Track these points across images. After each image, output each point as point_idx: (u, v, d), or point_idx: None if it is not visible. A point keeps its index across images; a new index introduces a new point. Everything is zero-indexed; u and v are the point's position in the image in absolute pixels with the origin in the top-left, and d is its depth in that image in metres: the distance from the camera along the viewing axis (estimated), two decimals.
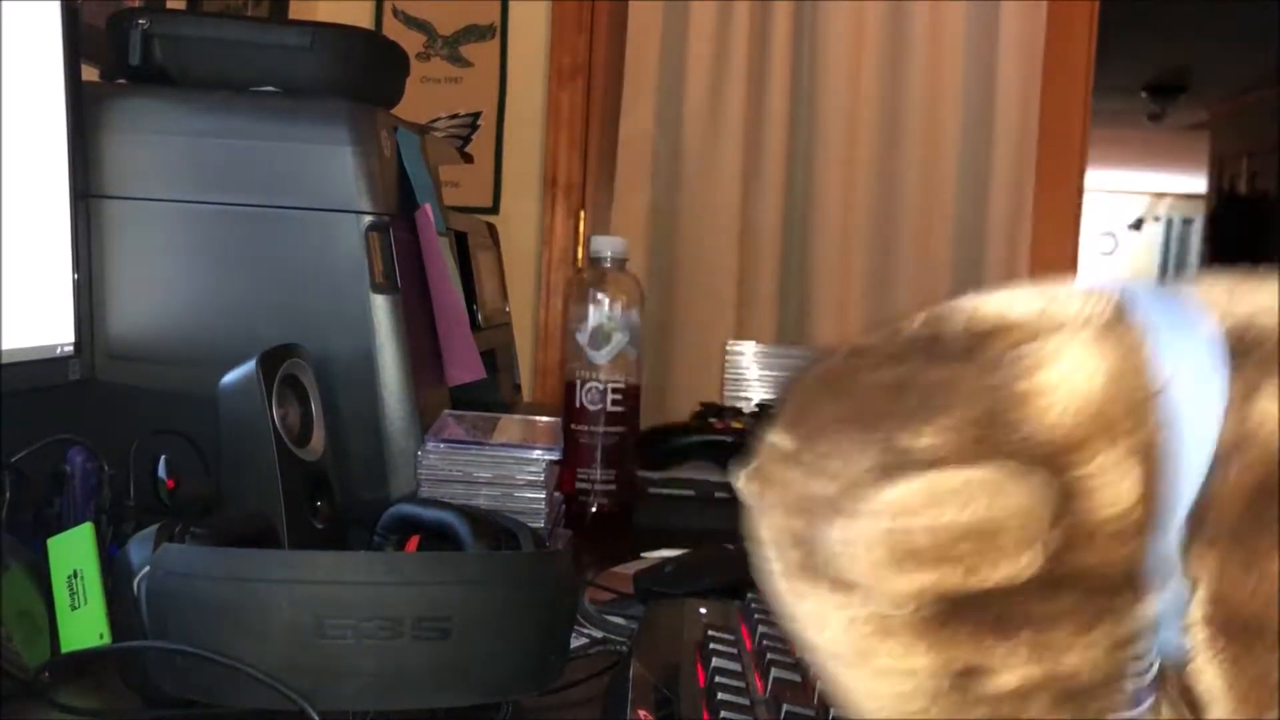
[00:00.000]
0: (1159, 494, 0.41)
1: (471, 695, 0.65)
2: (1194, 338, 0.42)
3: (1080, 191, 2.61)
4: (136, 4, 1.64)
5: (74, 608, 0.74)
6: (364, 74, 1.19)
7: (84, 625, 0.74)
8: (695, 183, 2.49)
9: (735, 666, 0.67)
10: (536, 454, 1.05)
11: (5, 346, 0.89)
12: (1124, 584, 0.41)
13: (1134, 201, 10.27)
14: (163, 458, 0.92)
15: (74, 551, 0.76)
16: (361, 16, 2.50)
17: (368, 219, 1.07)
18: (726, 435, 1.49)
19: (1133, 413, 0.40)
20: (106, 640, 0.73)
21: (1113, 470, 0.40)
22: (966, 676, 0.41)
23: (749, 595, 0.82)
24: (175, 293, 1.09)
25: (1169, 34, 5.27)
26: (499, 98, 2.54)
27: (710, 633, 0.73)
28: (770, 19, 2.48)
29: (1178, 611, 0.42)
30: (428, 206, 1.18)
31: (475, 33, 2.52)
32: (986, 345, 0.41)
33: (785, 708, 0.61)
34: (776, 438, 0.45)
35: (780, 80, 2.48)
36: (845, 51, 2.47)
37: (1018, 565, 0.39)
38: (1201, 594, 0.41)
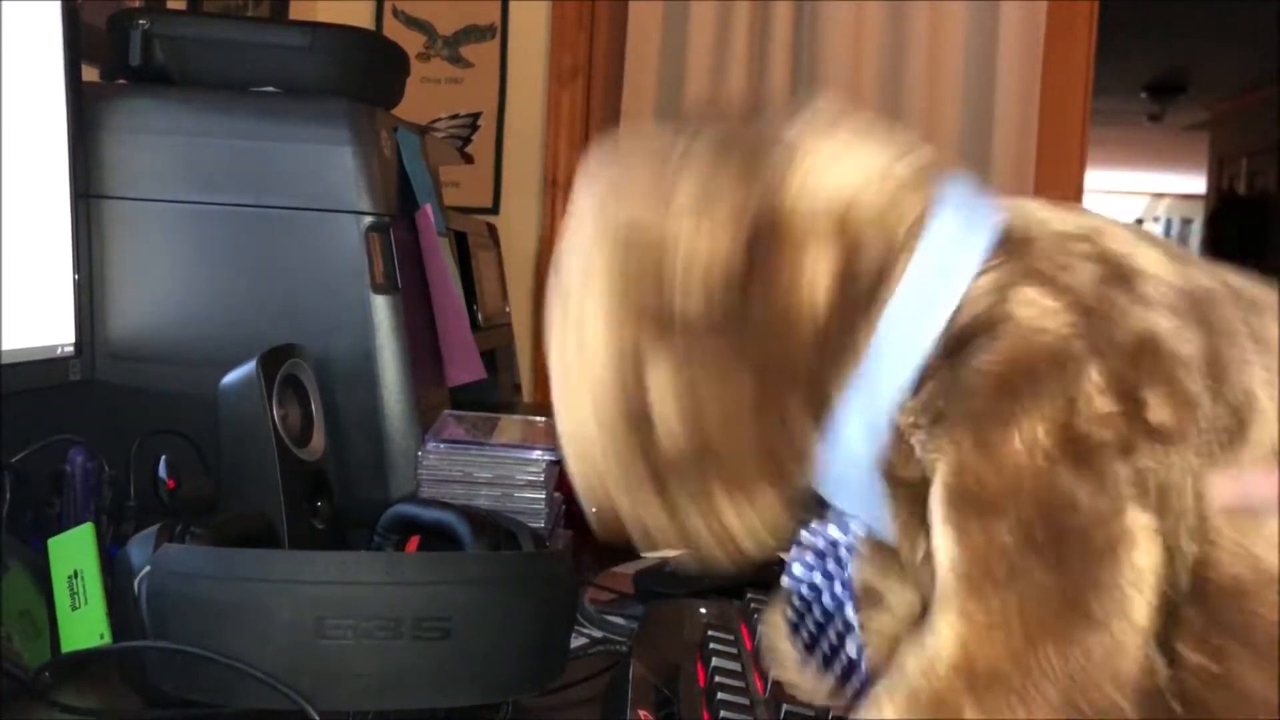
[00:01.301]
0: (849, 308, 0.43)
1: (471, 695, 0.65)
2: (973, 222, 0.45)
3: (1080, 192, 2.61)
4: (137, 4, 1.64)
5: (74, 608, 0.74)
6: (364, 74, 1.19)
7: (84, 625, 0.74)
8: None
9: (735, 666, 0.67)
10: (536, 454, 1.05)
11: (6, 347, 0.89)
12: (800, 359, 0.43)
13: (1133, 202, 10.28)
14: (163, 458, 0.92)
15: (74, 551, 0.76)
16: (361, 17, 2.49)
17: (368, 219, 1.07)
18: None
19: (859, 238, 0.44)
20: (107, 640, 0.73)
21: (810, 258, 0.43)
22: (639, 392, 0.45)
23: (749, 595, 0.82)
24: (175, 293, 1.09)
25: (1169, 34, 5.27)
26: (499, 98, 2.54)
27: (710, 633, 0.73)
28: (770, 19, 2.48)
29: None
30: (428, 207, 1.18)
31: (475, 33, 2.52)
32: (791, 128, 0.46)
33: (785, 708, 0.61)
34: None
35: (780, 80, 2.48)
36: (845, 51, 2.47)
37: (694, 283, 0.43)
38: (942, 468, 0.43)
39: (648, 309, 0.45)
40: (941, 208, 0.45)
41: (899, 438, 0.45)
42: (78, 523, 0.79)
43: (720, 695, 0.62)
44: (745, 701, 0.62)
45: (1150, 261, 0.46)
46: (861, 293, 0.44)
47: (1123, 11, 3.28)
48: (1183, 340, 0.44)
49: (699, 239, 0.44)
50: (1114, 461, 0.42)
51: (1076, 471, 0.42)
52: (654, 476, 0.47)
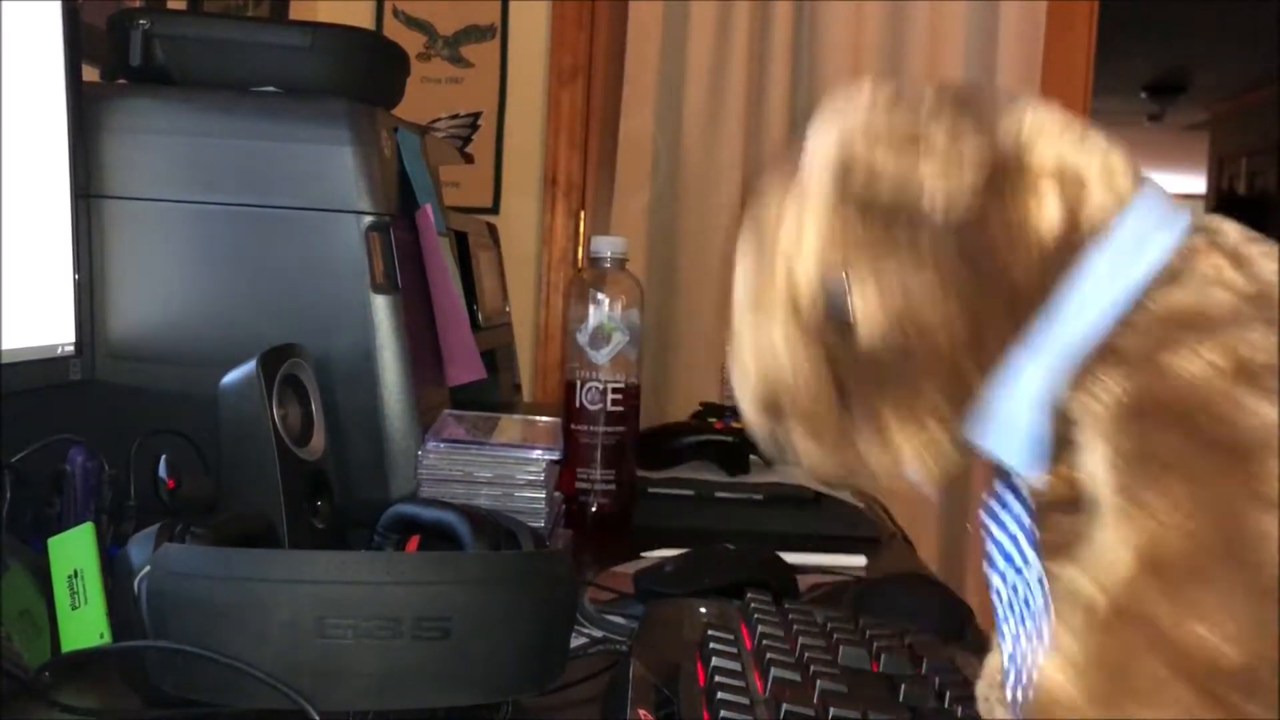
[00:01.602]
0: (1070, 247, 0.48)
1: (471, 695, 0.65)
2: (1175, 212, 0.50)
3: None
4: (137, 4, 1.64)
5: (74, 607, 0.74)
6: (364, 74, 1.19)
7: (84, 625, 0.74)
8: (695, 183, 2.49)
9: (735, 666, 0.67)
10: (536, 454, 1.05)
11: (6, 346, 0.89)
12: (1013, 293, 0.48)
13: None
14: (163, 457, 0.92)
15: (74, 551, 0.76)
16: (362, 17, 2.50)
17: (368, 219, 1.07)
18: (726, 435, 1.49)
19: (1086, 190, 0.49)
20: (107, 640, 0.73)
21: (1044, 199, 0.48)
22: (836, 304, 0.49)
23: (749, 595, 0.82)
24: (176, 293, 1.09)
25: (1169, 34, 5.27)
26: (499, 98, 2.54)
27: (710, 633, 0.73)
28: (770, 19, 2.48)
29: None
30: (428, 206, 1.19)
31: (475, 33, 2.52)
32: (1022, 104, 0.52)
33: (785, 707, 0.61)
34: None
35: (780, 80, 2.48)
36: (845, 52, 2.47)
37: (940, 191, 0.47)
38: (1109, 394, 0.46)
39: (877, 218, 0.48)
40: (1151, 188, 0.51)
41: (1078, 381, 0.48)
42: (78, 522, 0.79)
43: (720, 695, 0.62)
44: (745, 701, 0.62)
45: None
46: (1083, 236, 0.48)
47: (1123, 11, 3.28)
48: None
49: (943, 169, 0.48)
50: (1274, 385, 0.44)
51: (1249, 387, 0.44)
52: (838, 391, 0.50)
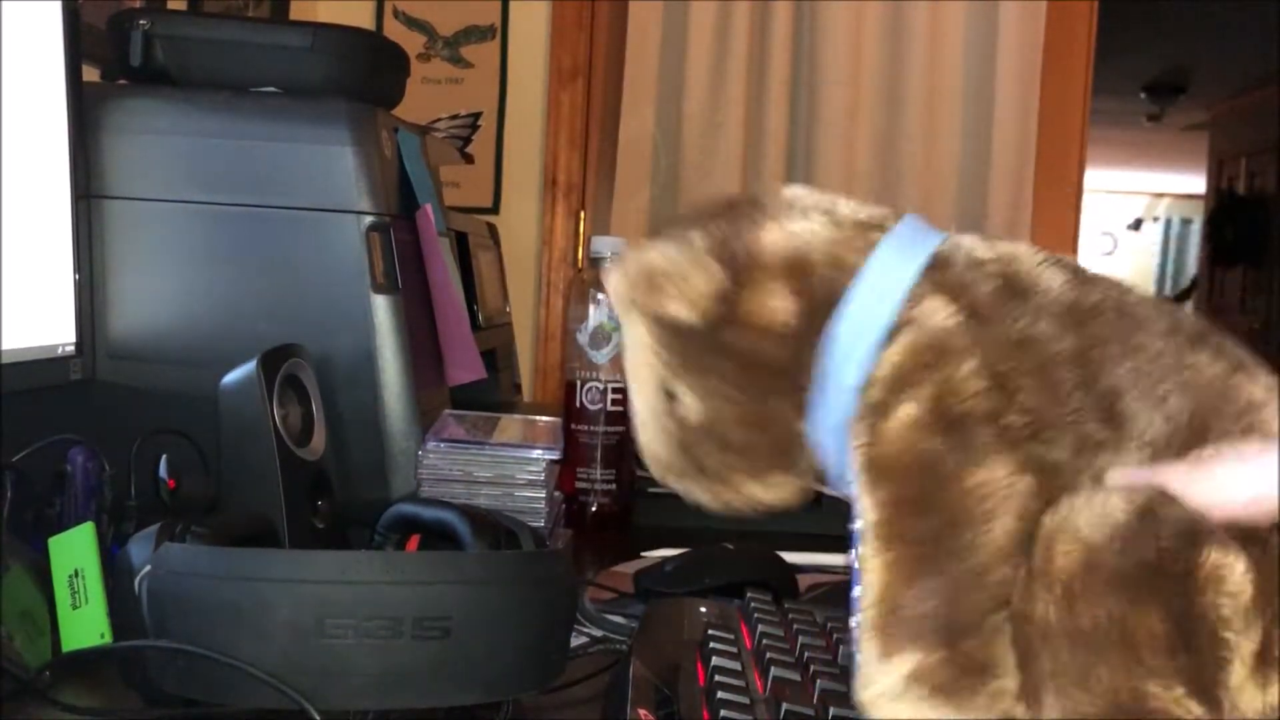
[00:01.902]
0: (811, 326, 0.55)
1: (471, 695, 0.65)
2: (912, 252, 0.56)
3: (1079, 192, 2.61)
4: (138, 4, 1.64)
5: (75, 607, 0.75)
6: (364, 74, 1.19)
7: (85, 625, 0.74)
8: (695, 183, 2.50)
9: (735, 666, 0.67)
10: (536, 454, 1.05)
11: (6, 346, 0.89)
12: (779, 375, 0.56)
13: (1133, 202, 10.28)
14: (163, 457, 0.92)
15: (75, 551, 0.76)
16: (362, 17, 2.50)
17: (368, 219, 1.07)
18: None
19: (813, 271, 0.56)
20: (107, 640, 0.73)
21: (776, 293, 0.56)
22: (668, 398, 0.58)
23: (749, 595, 0.83)
24: (176, 293, 1.10)
25: (1168, 34, 5.27)
26: (499, 98, 2.54)
27: (710, 632, 0.73)
28: (770, 19, 2.48)
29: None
30: (428, 207, 1.19)
31: (476, 33, 2.52)
32: (773, 201, 0.58)
33: (785, 707, 0.61)
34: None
35: (780, 80, 2.48)
36: (845, 52, 2.47)
37: (683, 309, 0.56)
38: (852, 446, 0.54)
39: (663, 337, 0.57)
40: (884, 242, 0.57)
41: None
42: (78, 522, 0.79)
43: (720, 695, 0.62)
44: (745, 701, 0.62)
45: (1050, 283, 0.55)
46: (819, 312, 0.55)
47: (1123, 11, 3.28)
48: (1055, 341, 0.53)
49: (691, 272, 0.56)
50: (979, 425, 0.51)
51: (945, 438, 0.51)
52: (699, 473, 0.60)
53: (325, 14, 2.38)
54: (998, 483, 0.51)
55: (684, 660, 0.69)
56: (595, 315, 1.25)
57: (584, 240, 2.54)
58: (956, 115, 2.47)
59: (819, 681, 0.65)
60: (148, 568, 0.66)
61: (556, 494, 1.13)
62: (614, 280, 0.60)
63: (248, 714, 0.64)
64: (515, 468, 1.05)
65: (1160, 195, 10.24)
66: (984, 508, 0.50)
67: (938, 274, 0.55)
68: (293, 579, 0.63)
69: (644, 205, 2.50)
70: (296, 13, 2.41)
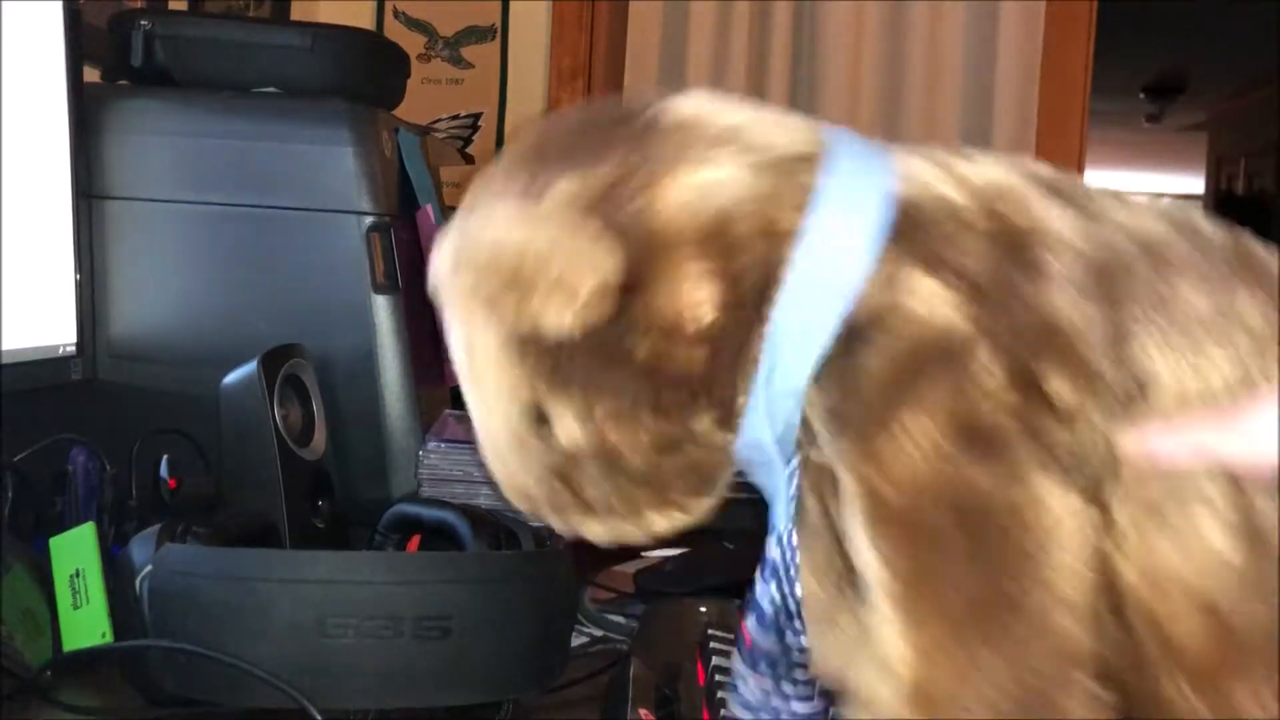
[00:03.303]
0: (739, 320, 0.42)
1: (472, 694, 0.65)
2: (862, 205, 0.42)
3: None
4: (138, 5, 1.64)
5: (76, 607, 0.75)
6: (365, 75, 1.19)
7: (86, 624, 0.74)
8: None
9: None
10: None
11: (7, 346, 0.90)
12: (681, 386, 0.42)
13: None
14: (164, 457, 0.92)
15: (76, 551, 0.76)
16: (362, 18, 2.50)
17: (369, 219, 1.07)
18: None
19: (738, 243, 0.41)
20: (108, 639, 0.73)
21: (690, 280, 0.41)
22: (538, 420, 0.44)
23: (749, 594, 0.83)
24: (177, 293, 1.10)
25: (1168, 35, 5.27)
26: (500, 98, 2.54)
27: (710, 632, 0.73)
28: (770, 19, 2.48)
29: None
30: (428, 207, 1.19)
31: (476, 34, 2.52)
32: (667, 131, 0.44)
33: None
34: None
35: (780, 80, 2.48)
36: (845, 51, 2.47)
37: (561, 316, 0.41)
38: (846, 481, 0.41)
39: (530, 348, 0.44)
40: (825, 190, 0.43)
41: (807, 426, 0.44)
42: (79, 522, 0.79)
43: (720, 694, 0.62)
44: None
45: (1058, 226, 0.44)
46: (748, 300, 0.43)
47: (1122, 11, 3.28)
48: (1082, 316, 0.42)
49: (568, 263, 0.42)
50: (1016, 442, 0.40)
51: (975, 459, 0.40)
52: (580, 505, 0.47)
53: (325, 14, 2.38)
54: (1052, 510, 0.39)
55: (684, 660, 0.69)
56: None
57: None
58: (956, 115, 2.47)
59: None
60: (149, 568, 0.66)
61: None
62: (447, 266, 0.46)
63: (248, 714, 0.64)
64: None
65: (1159, 196, 10.21)
66: (1048, 539, 0.39)
67: (908, 236, 0.43)
68: (293, 579, 0.63)
69: None
70: (297, 13, 2.41)
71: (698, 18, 2.48)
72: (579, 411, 0.44)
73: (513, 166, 0.46)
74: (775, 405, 0.43)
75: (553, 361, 0.44)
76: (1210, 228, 0.47)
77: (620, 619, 0.90)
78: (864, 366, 0.41)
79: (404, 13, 2.53)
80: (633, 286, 0.42)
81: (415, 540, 0.82)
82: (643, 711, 0.62)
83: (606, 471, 0.45)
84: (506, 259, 0.42)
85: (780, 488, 0.46)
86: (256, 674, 0.61)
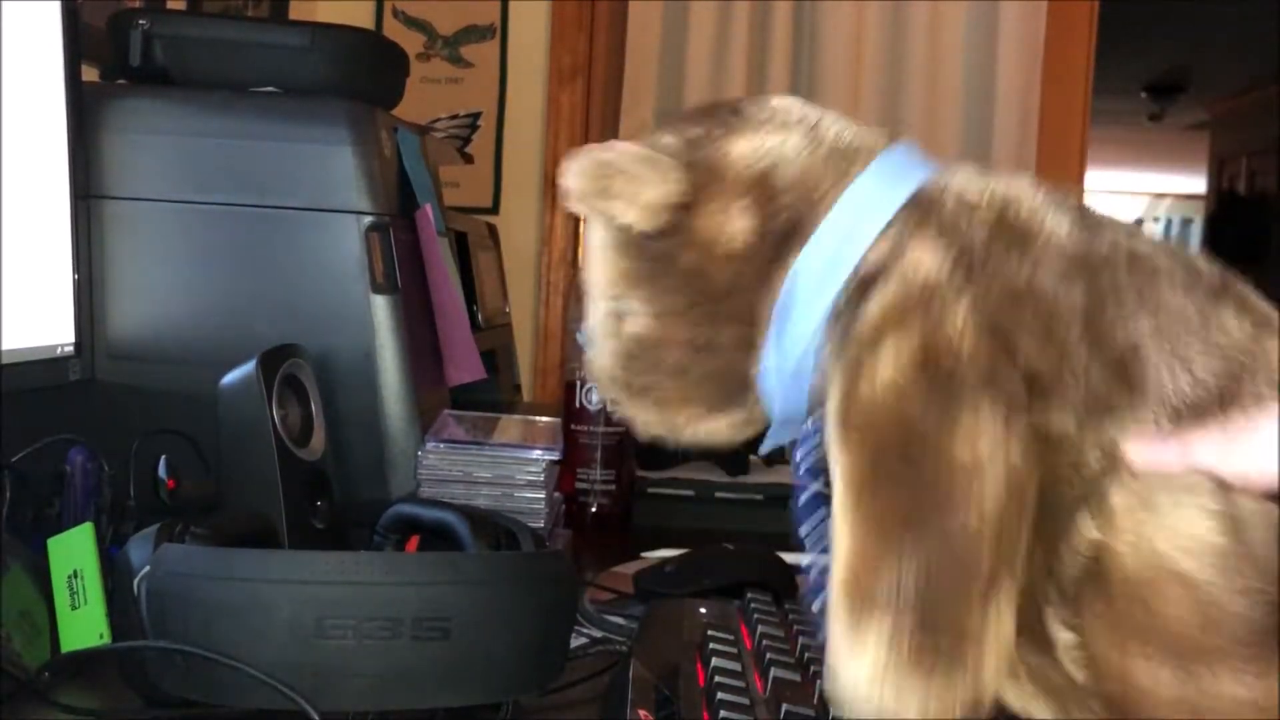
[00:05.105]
0: (763, 253, 0.52)
1: (471, 695, 0.65)
2: (891, 189, 0.52)
3: (1080, 192, 2.61)
4: (137, 4, 1.64)
5: (74, 607, 0.74)
6: (364, 74, 1.19)
7: (84, 625, 0.74)
8: None
9: (735, 666, 0.67)
10: (536, 454, 1.05)
11: (5, 346, 0.89)
12: (727, 300, 0.53)
13: (1134, 202, 10.28)
14: (163, 458, 0.92)
15: (74, 551, 0.76)
16: (362, 17, 2.50)
17: (368, 219, 1.07)
18: None
19: (778, 195, 0.52)
20: (106, 640, 0.73)
21: (732, 211, 0.53)
22: (616, 317, 0.56)
23: (749, 595, 0.82)
24: (175, 293, 1.09)
25: (1169, 34, 5.27)
26: (499, 98, 2.54)
27: (710, 633, 0.73)
28: (770, 19, 2.48)
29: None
30: (428, 207, 1.19)
31: (475, 33, 2.52)
32: (754, 112, 0.56)
33: (785, 707, 0.61)
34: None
35: (780, 80, 2.48)
36: (845, 52, 2.47)
37: (630, 214, 0.53)
38: (832, 394, 0.50)
39: (632, 248, 0.54)
40: (867, 174, 0.53)
41: (819, 367, 0.52)
42: (77, 522, 0.79)
43: (720, 695, 0.62)
44: (745, 701, 0.62)
45: (1053, 227, 0.51)
46: (775, 240, 0.52)
47: (1123, 11, 3.28)
48: (1062, 294, 0.48)
49: (640, 176, 0.53)
50: (970, 381, 0.46)
51: (926, 389, 0.47)
52: (634, 390, 0.57)
53: (325, 14, 2.38)
54: (986, 448, 0.45)
55: (684, 661, 0.69)
56: None
57: (584, 240, 2.54)
58: (957, 115, 2.47)
59: (819, 682, 0.64)
60: (147, 568, 0.66)
61: (556, 494, 1.13)
62: (568, 175, 0.56)
63: (247, 714, 0.64)
64: (515, 468, 1.05)
65: (1161, 195, 10.23)
66: (970, 474, 0.45)
67: (920, 214, 0.51)
68: (292, 579, 0.63)
69: None
70: (296, 13, 2.40)
71: (698, 18, 2.48)
72: (643, 301, 0.55)
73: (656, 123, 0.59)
74: (789, 341, 0.52)
75: (632, 255, 0.54)
76: (1205, 263, 0.53)
77: (620, 620, 0.90)
78: (864, 310, 0.50)
79: (403, 12, 2.52)
80: (688, 206, 0.52)
81: (414, 541, 0.82)
82: (642, 712, 0.61)
83: (649, 361, 0.56)
84: (598, 168, 0.53)
85: (791, 424, 0.55)
86: (255, 675, 0.61)
